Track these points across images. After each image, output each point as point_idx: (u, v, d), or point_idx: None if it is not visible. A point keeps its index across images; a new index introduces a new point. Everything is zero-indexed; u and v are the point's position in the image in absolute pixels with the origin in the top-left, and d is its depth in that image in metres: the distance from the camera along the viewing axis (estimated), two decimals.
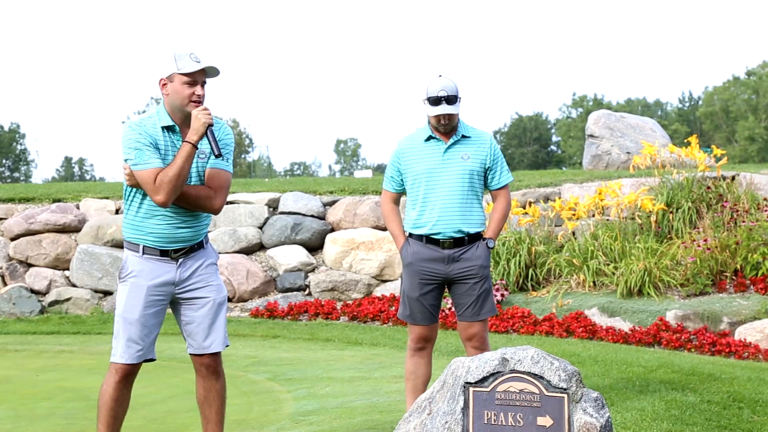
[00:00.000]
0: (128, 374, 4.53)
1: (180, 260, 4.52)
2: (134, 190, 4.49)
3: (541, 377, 3.77)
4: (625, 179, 12.35)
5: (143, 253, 4.49)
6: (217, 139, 4.49)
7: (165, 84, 4.47)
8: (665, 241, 11.11)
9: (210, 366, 4.63)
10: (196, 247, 4.58)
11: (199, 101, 4.45)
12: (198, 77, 4.44)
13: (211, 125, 4.40)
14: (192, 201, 4.47)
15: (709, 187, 11.64)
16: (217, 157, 4.46)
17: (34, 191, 14.50)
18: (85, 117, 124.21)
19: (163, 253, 4.49)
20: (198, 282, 4.57)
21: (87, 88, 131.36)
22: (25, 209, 13.34)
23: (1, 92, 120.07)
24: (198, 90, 4.44)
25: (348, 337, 10.05)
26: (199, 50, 4.48)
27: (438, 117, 5.32)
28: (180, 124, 4.48)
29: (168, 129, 4.47)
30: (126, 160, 4.45)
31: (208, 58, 4.47)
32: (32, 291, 12.61)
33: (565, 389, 3.75)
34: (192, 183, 4.49)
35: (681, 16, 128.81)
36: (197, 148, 4.41)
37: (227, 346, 4.67)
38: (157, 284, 4.49)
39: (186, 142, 4.37)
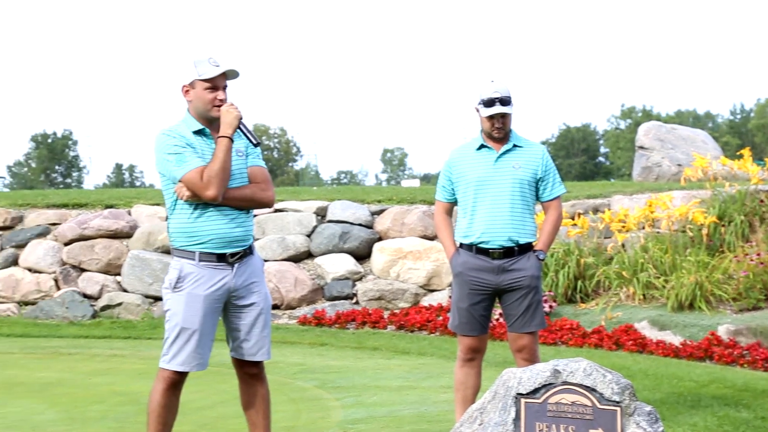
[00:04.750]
0: (177, 382, 4.55)
1: (235, 266, 4.55)
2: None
3: (594, 390, 3.76)
4: (676, 191, 12.23)
5: (199, 261, 4.49)
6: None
7: (188, 91, 4.55)
8: (717, 254, 10.97)
9: (254, 373, 4.66)
10: (248, 251, 4.61)
11: (221, 105, 4.52)
12: (218, 81, 4.50)
13: (241, 118, 4.48)
14: (248, 198, 4.55)
15: (762, 200, 11.47)
16: (255, 146, 4.57)
17: (87, 197, 14.71)
18: (134, 124, 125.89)
19: (220, 259, 4.50)
20: (249, 288, 4.59)
21: (137, 96, 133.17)
22: (78, 215, 13.54)
23: (55, 99, 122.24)
24: (220, 95, 4.50)
25: (395, 346, 10.05)
26: (217, 54, 4.54)
27: (492, 119, 5.32)
28: (208, 127, 4.56)
29: (199, 133, 4.54)
30: (162, 174, 4.53)
31: (226, 62, 4.52)
32: (85, 295, 12.79)
33: (617, 402, 3.73)
34: (239, 183, 4.55)
35: (733, 27, 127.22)
36: (233, 142, 4.47)
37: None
38: (214, 292, 4.49)
39: (222, 137, 4.45)
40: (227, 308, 4.61)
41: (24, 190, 41.34)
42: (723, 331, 9.59)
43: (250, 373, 4.65)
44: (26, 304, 12.93)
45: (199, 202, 4.46)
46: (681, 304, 10.20)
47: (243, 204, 4.55)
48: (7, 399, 7.32)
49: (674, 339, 9.79)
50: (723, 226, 11.22)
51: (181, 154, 4.43)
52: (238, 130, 4.53)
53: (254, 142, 4.58)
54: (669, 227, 11.27)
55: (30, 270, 13.11)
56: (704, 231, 11.12)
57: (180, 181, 4.44)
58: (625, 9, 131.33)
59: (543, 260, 5.42)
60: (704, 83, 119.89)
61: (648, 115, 71.45)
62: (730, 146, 56.17)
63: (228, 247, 4.51)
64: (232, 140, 4.47)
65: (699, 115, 77.81)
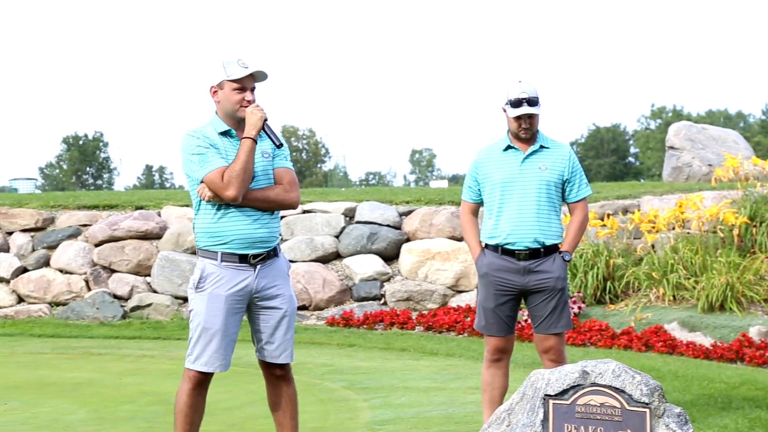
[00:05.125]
0: (203, 381, 4.57)
1: (258, 267, 4.56)
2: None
3: (623, 391, 3.74)
4: (707, 192, 12.13)
5: (221, 261, 4.51)
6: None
7: (216, 91, 4.57)
8: (748, 255, 10.87)
9: (280, 375, 4.67)
10: (272, 253, 4.60)
11: (248, 106, 4.53)
12: (247, 83, 4.52)
13: (266, 120, 4.49)
14: (271, 199, 4.55)
15: None
16: (278, 147, 4.57)
17: (117, 198, 14.85)
18: (164, 126, 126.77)
19: (242, 259, 4.51)
20: (273, 291, 4.59)
21: (168, 98, 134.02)
22: (108, 216, 13.66)
23: (86, 101, 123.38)
24: (248, 96, 4.51)
25: (423, 347, 10.05)
26: (246, 55, 4.56)
27: (519, 120, 5.31)
28: (235, 128, 4.57)
29: (225, 134, 4.56)
30: (187, 174, 4.54)
31: (255, 63, 4.54)
32: (115, 296, 12.90)
33: (647, 404, 3.70)
34: (264, 184, 4.56)
35: (763, 26, 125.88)
36: (257, 143, 4.48)
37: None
38: (236, 292, 4.51)
39: (245, 137, 4.45)
40: (251, 309, 4.63)
41: (55, 191, 41.76)
42: (754, 333, 9.50)
43: (276, 374, 4.67)
44: (57, 304, 13.06)
45: (221, 202, 4.48)
46: (711, 305, 10.11)
47: (265, 205, 4.55)
48: (38, 399, 7.40)
49: (705, 340, 9.71)
50: (754, 226, 11.11)
51: (203, 155, 4.46)
52: (262, 132, 4.54)
53: (277, 143, 4.57)
54: (699, 228, 11.18)
55: (61, 271, 13.25)
56: (735, 231, 11.02)
57: (202, 181, 4.47)
58: (656, 8, 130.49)
59: (569, 261, 5.39)
60: (735, 83, 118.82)
61: (678, 115, 70.91)
62: (761, 146, 55.62)
63: (251, 248, 4.52)
64: (255, 141, 4.48)
65: (730, 115, 77.05)
